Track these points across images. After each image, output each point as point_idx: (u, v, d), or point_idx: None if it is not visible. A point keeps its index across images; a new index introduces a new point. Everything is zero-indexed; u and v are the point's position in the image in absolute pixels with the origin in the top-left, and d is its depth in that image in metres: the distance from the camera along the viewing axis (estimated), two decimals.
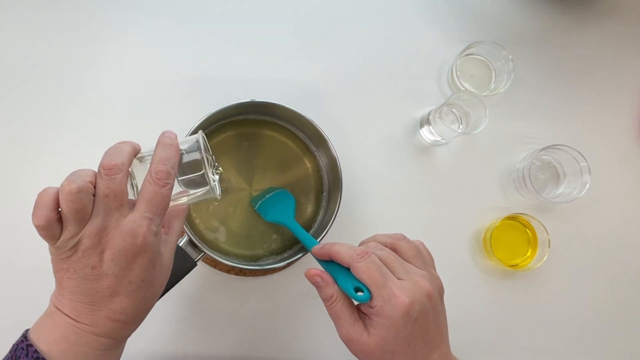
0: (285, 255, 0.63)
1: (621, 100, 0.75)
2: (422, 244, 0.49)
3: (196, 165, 0.45)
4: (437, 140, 0.70)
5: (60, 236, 0.40)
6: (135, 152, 0.44)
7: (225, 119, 0.64)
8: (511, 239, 0.70)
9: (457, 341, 0.68)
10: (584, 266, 0.71)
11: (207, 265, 0.66)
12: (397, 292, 0.42)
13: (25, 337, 0.41)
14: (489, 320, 0.69)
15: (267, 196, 0.62)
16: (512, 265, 0.69)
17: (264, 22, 0.72)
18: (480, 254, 0.70)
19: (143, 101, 0.69)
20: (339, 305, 0.45)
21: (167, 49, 0.71)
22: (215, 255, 0.57)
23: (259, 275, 0.67)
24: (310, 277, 0.46)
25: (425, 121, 0.70)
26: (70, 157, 0.67)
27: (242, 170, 0.64)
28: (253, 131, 0.65)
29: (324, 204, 0.66)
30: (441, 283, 0.47)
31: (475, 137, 0.72)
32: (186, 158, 0.46)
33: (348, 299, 0.45)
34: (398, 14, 0.74)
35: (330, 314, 0.45)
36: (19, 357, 0.40)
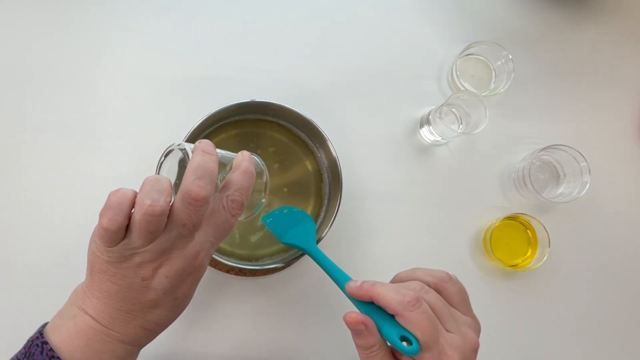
0: (286, 255, 0.63)
1: (621, 100, 0.75)
2: (459, 282, 0.45)
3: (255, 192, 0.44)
4: (437, 140, 0.70)
5: (120, 242, 0.38)
6: (218, 171, 0.42)
7: (225, 119, 0.64)
8: (511, 239, 0.70)
9: None
10: (584, 266, 0.71)
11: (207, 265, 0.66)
12: (449, 351, 0.39)
13: (41, 333, 0.40)
14: (489, 320, 0.69)
15: (282, 212, 0.58)
16: (512, 265, 0.69)
17: (264, 22, 0.72)
18: (480, 254, 0.70)
19: (143, 101, 0.69)
20: (380, 355, 0.40)
21: (167, 49, 0.70)
22: (215, 255, 0.57)
23: (259, 275, 0.67)
24: (352, 325, 0.41)
25: (425, 121, 0.70)
26: (70, 157, 0.67)
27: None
28: (253, 131, 0.65)
29: (324, 204, 0.66)
30: (480, 326, 0.44)
31: (475, 137, 0.72)
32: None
33: (388, 349, 0.41)
34: (398, 14, 0.74)
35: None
36: (33, 353, 0.39)
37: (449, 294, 0.43)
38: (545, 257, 0.67)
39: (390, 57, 0.73)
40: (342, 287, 0.45)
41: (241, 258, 0.63)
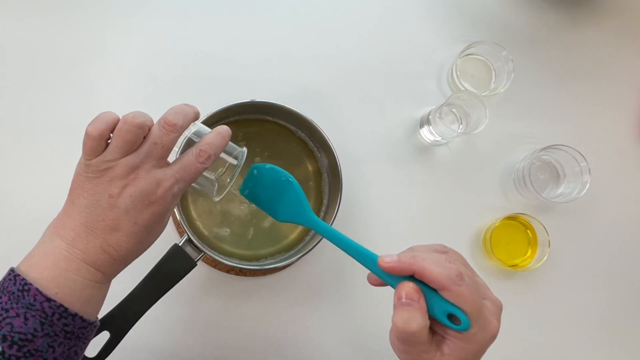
0: (286, 255, 0.63)
1: (621, 100, 0.75)
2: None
3: (226, 167, 0.49)
4: (437, 140, 0.70)
5: (99, 155, 0.43)
6: (195, 119, 0.47)
7: (225, 119, 0.64)
8: (511, 239, 0.70)
9: None
10: (584, 266, 0.71)
11: (207, 265, 0.66)
12: (491, 318, 0.40)
13: (12, 269, 0.42)
14: None
15: (258, 184, 0.49)
16: (512, 265, 0.69)
17: (264, 22, 0.72)
18: (480, 254, 0.70)
19: (143, 101, 0.69)
20: (424, 335, 0.38)
21: (167, 49, 0.70)
22: (215, 255, 0.57)
23: (259, 275, 0.67)
24: (403, 291, 0.38)
25: (425, 121, 0.70)
26: (69, 157, 0.67)
27: (242, 170, 0.64)
28: (253, 131, 0.65)
29: (324, 204, 0.66)
30: None
31: (475, 137, 0.72)
32: (223, 155, 0.48)
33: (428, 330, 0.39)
34: (398, 14, 0.74)
35: (407, 343, 0.38)
36: (7, 287, 0.41)
37: (465, 262, 0.43)
38: (545, 257, 0.67)
39: (390, 57, 0.73)
40: (364, 260, 0.41)
41: (241, 258, 0.63)
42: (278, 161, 0.65)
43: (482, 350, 0.40)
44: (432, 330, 0.39)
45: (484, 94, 0.71)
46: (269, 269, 0.64)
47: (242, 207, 0.64)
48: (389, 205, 0.69)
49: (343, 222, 0.66)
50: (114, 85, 0.69)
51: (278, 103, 0.61)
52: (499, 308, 0.42)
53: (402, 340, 0.38)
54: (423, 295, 0.38)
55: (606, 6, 0.77)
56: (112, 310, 0.52)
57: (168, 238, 0.65)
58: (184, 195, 0.63)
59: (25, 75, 0.68)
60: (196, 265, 0.55)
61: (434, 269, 0.38)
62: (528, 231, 0.70)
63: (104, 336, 0.52)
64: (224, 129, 0.47)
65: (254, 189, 0.49)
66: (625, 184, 0.73)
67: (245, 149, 0.50)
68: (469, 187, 0.71)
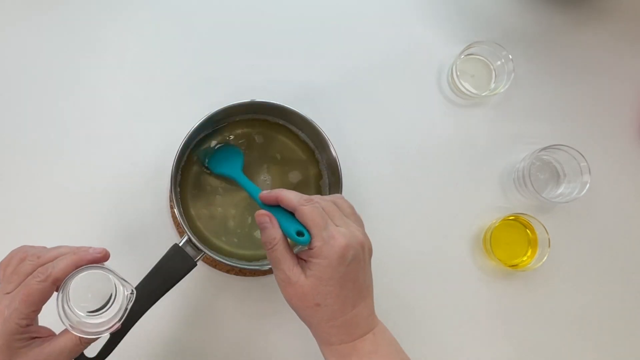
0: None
1: (621, 100, 0.75)
2: (351, 205, 0.52)
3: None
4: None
5: None
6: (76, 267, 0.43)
7: (225, 119, 0.64)
8: (511, 239, 0.70)
9: (457, 340, 0.68)
10: (584, 266, 0.71)
11: (207, 265, 0.66)
12: (336, 235, 0.45)
13: None
14: (488, 320, 0.69)
15: (215, 150, 0.64)
16: (512, 265, 0.69)
17: (264, 22, 0.72)
18: (480, 254, 0.70)
19: (143, 102, 0.69)
20: (280, 248, 0.47)
21: (167, 49, 0.70)
22: (215, 255, 0.57)
23: (259, 275, 0.67)
24: (258, 217, 0.48)
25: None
26: (69, 157, 0.67)
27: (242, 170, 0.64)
28: (253, 131, 0.65)
29: None
30: (371, 244, 0.50)
31: (475, 137, 0.72)
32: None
33: (288, 245, 0.48)
34: (398, 14, 0.74)
35: (271, 258, 0.48)
36: None
37: (342, 206, 0.50)
38: (545, 257, 0.67)
39: (390, 57, 0.73)
40: (257, 200, 0.52)
41: (241, 258, 0.63)
42: (278, 161, 0.65)
43: (335, 269, 0.45)
44: (299, 258, 0.48)
45: (484, 94, 0.71)
46: (269, 269, 0.64)
47: (242, 207, 0.64)
48: (389, 205, 0.69)
49: None
50: (115, 85, 0.69)
51: (278, 103, 0.61)
52: (357, 239, 0.47)
53: (270, 258, 0.48)
54: (274, 217, 0.48)
55: (606, 6, 0.77)
56: None
57: (168, 238, 0.65)
58: (183, 195, 0.63)
59: (24, 75, 0.68)
60: (196, 265, 0.55)
61: (289, 194, 0.48)
62: (528, 231, 0.70)
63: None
64: (76, 255, 0.44)
65: (212, 156, 0.63)
66: (625, 184, 0.73)
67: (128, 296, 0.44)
68: (469, 188, 0.71)
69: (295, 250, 0.49)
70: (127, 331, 0.52)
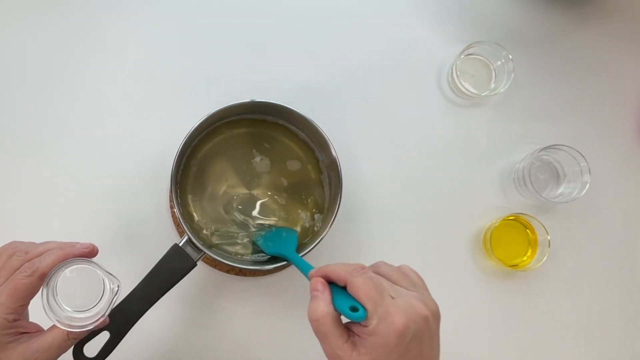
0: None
1: (621, 100, 0.75)
2: (408, 267, 0.47)
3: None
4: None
5: None
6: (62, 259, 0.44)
7: (225, 119, 0.64)
8: (511, 239, 0.70)
9: (457, 341, 0.68)
10: (584, 266, 0.71)
11: (207, 265, 0.66)
12: (393, 311, 0.41)
13: None
14: (488, 320, 0.69)
15: (269, 231, 0.63)
16: (512, 266, 0.69)
17: (264, 22, 0.72)
18: (480, 254, 0.70)
19: (143, 101, 0.69)
20: (328, 322, 0.42)
21: (167, 49, 0.70)
22: (215, 255, 0.57)
23: (259, 275, 0.67)
24: (312, 283, 0.44)
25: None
26: (69, 157, 0.67)
27: (242, 170, 0.64)
28: (253, 131, 0.65)
29: (324, 204, 0.66)
30: (437, 307, 0.45)
31: (475, 137, 0.72)
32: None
33: (337, 319, 0.43)
34: (398, 14, 0.74)
35: (318, 332, 0.43)
36: None
37: (386, 274, 0.45)
38: (545, 257, 0.67)
39: (390, 57, 0.73)
40: (307, 276, 0.48)
41: (241, 258, 0.63)
42: (278, 161, 0.65)
43: (392, 350, 0.40)
44: (349, 331, 0.43)
45: (484, 94, 0.71)
46: (269, 269, 0.64)
47: (242, 207, 0.64)
48: (389, 205, 0.69)
49: (343, 221, 0.66)
50: (115, 85, 0.69)
51: (278, 103, 0.61)
52: (416, 312, 0.42)
53: (315, 331, 0.43)
54: (328, 288, 0.43)
55: (606, 6, 0.77)
56: (112, 310, 0.52)
57: (168, 238, 0.65)
58: (183, 195, 0.63)
59: (24, 75, 0.68)
60: (196, 265, 0.55)
61: (337, 267, 0.44)
62: (528, 231, 0.70)
63: (104, 336, 0.52)
64: (62, 250, 0.44)
65: (264, 239, 0.62)
66: (625, 184, 0.73)
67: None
68: (469, 187, 0.71)
69: (346, 321, 0.44)
70: (127, 331, 0.52)
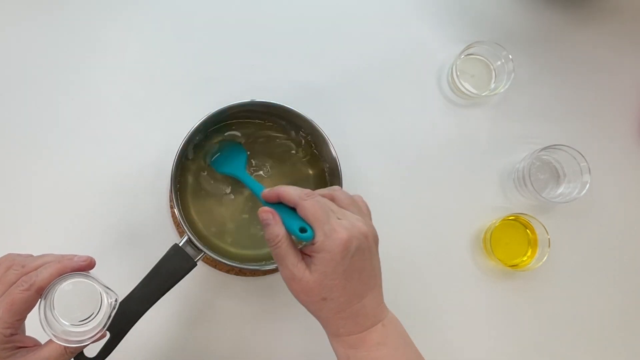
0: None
1: (621, 100, 0.75)
2: (360, 197, 0.52)
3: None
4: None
5: None
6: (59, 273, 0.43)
7: (225, 119, 0.64)
8: (511, 239, 0.70)
9: (457, 340, 0.68)
10: (584, 266, 0.71)
11: (207, 265, 0.66)
12: (337, 228, 0.45)
13: None
14: (488, 320, 0.69)
15: (218, 149, 0.64)
16: (512, 265, 0.69)
17: (264, 22, 0.72)
18: (480, 254, 0.70)
19: (143, 101, 0.69)
20: (284, 245, 0.46)
21: (167, 49, 0.70)
22: (215, 255, 0.57)
23: (259, 275, 0.67)
24: (261, 214, 0.48)
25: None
26: (69, 157, 0.67)
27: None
28: (253, 131, 0.65)
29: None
30: (376, 231, 0.50)
31: (475, 137, 0.72)
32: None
33: (292, 241, 0.47)
34: (398, 14, 0.74)
35: (275, 255, 0.47)
36: None
37: (339, 198, 0.50)
38: (545, 257, 0.67)
39: (390, 57, 0.73)
40: (260, 198, 0.51)
41: (241, 258, 0.63)
42: (278, 161, 0.65)
43: (339, 262, 0.45)
44: (303, 254, 0.47)
45: (484, 94, 0.71)
46: (269, 269, 0.64)
47: (242, 208, 0.64)
48: (388, 205, 0.69)
49: None
50: (115, 85, 0.69)
51: (278, 103, 0.61)
52: (359, 230, 0.46)
53: (274, 255, 0.47)
54: (277, 214, 0.48)
55: (606, 6, 0.77)
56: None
57: (168, 238, 0.65)
58: (183, 195, 0.63)
59: (24, 75, 0.68)
60: (196, 265, 0.55)
61: (289, 190, 0.48)
62: (528, 231, 0.70)
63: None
64: (61, 263, 0.44)
65: (217, 157, 0.64)
66: (625, 184, 0.73)
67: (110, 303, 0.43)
68: (469, 187, 0.71)
69: (300, 246, 0.48)
70: (127, 331, 0.52)
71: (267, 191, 0.50)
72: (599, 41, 0.76)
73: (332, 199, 0.49)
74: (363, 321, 0.48)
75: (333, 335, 0.49)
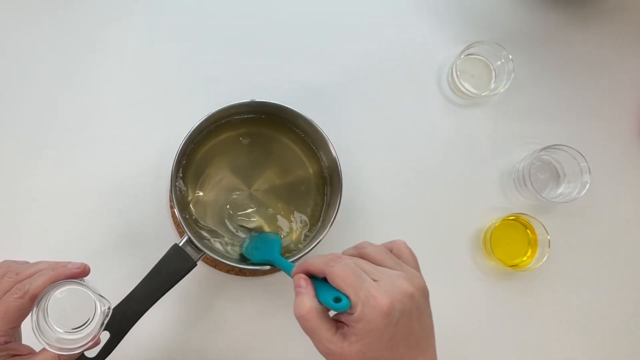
0: (286, 255, 0.63)
1: (621, 100, 0.75)
2: (403, 243, 0.47)
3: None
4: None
5: None
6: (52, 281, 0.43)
7: (225, 119, 0.64)
8: (511, 239, 0.70)
9: (457, 340, 0.68)
10: (584, 266, 0.71)
11: (207, 265, 0.66)
12: (375, 293, 0.40)
13: None
14: (488, 320, 0.69)
15: (252, 241, 0.62)
16: (512, 265, 0.69)
17: (264, 22, 0.72)
18: (480, 254, 0.70)
19: (143, 101, 0.69)
20: (313, 318, 0.42)
21: (167, 49, 0.70)
22: (215, 255, 0.57)
23: (259, 275, 0.67)
24: (296, 279, 0.45)
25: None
26: (69, 157, 0.67)
27: (242, 170, 0.64)
28: (253, 131, 0.65)
29: (324, 204, 0.66)
30: (424, 283, 0.44)
31: (475, 137, 0.72)
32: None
33: (324, 313, 0.43)
34: (398, 14, 0.74)
35: (305, 329, 0.43)
36: None
37: (370, 254, 0.45)
38: (545, 257, 0.67)
39: (390, 57, 0.73)
40: (291, 276, 0.48)
41: (241, 258, 0.63)
42: (278, 161, 0.65)
43: (382, 332, 0.40)
44: (338, 322, 0.43)
45: (484, 94, 0.71)
46: (269, 269, 0.64)
47: (242, 207, 0.64)
48: (389, 205, 0.69)
49: (343, 221, 0.66)
50: (114, 86, 0.69)
51: (278, 103, 0.61)
52: (400, 290, 0.41)
53: (303, 328, 0.43)
54: (311, 283, 0.44)
55: (606, 6, 0.77)
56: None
57: (168, 238, 0.65)
58: (183, 194, 0.63)
59: (24, 75, 0.68)
60: (196, 265, 0.55)
61: (314, 260, 0.44)
62: (528, 231, 0.70)
63: (104, 336, 0.52)
64: (56, 270, 0.43)
65: (249, 247, 0.61)
66: (625, 184, 0.73)
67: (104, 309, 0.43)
68: (469, 187, 0.71)
69: (334, 314, 0.44)
70: (127, 331, 0.52)
71: (295, 269, 0.46)
72: (599, 41, 0.76)
73: (363, 257, 0.45)
74: None
75: None
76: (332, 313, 0.43)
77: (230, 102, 0.60)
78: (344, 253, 0.46)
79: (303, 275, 0.44)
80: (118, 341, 0.52)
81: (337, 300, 0.41)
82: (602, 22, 0.76)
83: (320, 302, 0.43)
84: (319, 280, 0.44)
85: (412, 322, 0.42)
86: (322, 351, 0.42)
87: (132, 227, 0.66)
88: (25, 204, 0.65)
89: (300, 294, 0.43)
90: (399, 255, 0.46)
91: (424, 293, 0.44)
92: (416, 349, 0.43)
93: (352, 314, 0.41)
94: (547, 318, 0.70)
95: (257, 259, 0.59)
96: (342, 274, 0.41)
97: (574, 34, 0.76)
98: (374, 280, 0.41)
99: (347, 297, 0.41)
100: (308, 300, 0.43)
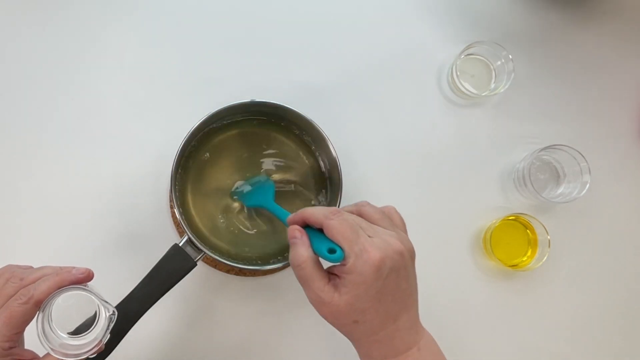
0: (286, 255, 0.63)
1: (621, 100, 0.75)
2: (394, 208, 0.49)
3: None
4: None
5: None
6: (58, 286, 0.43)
7: (225, 119, 0.64)
8: (511, 239, 0.70)
9: (457, 340, 0.68)
10: (584, 266, 0.71)
11: (207, 265, 0.66)
12: (369, 248, 0.42)
13: None
14: (488, 320, 0.69)
15: (248, 188, 0.63)
16: (512, 265, 0.69)
17: (264, 22, 0.72)
18: (480, 254, 0.70)
19: (143, 101, 0.69)
20: (308, 267, 0.44)
21: (167, 49, 0.70)
22: (215, 255, 0.57)
23: (259, 275, 0.67)
24: (290, 231, 0.46)
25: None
26: (69, 157, 0.67)
27: (242, 170, 0.64)
28: (253, 131, 0.65)
29: (324, 203, 0.66)
30: (412, 245, 0.47)
31: (475, 137, 0.72)
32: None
33: (318, 263, 0.45)
34: (398, 14, 0.74)
35: (299, 277, 0.45)
36: None
37: (368, 213, 0.47)
38: (545, 257, 0.67)
39: (390, 57, 0.73)
40: (286, 224, 0.49)
41: (241, 258, 0.63)
42: (278, 161, 0.65)
43: (371, 285, 0.42)
44: (331, 274, 0.45)
45: (484, 94, 0.71)
46: (269, 269, 0.64)
47: (241, 207, 0.64)
48: (388, 204, 0.69)
49: None
50: (114, 86, 0.69)
51: (278, 103, 0.61)
52: (393, 248, 0.43)
53: (298, 277, 0.45)
54: (306, 234, 0.45)
55: (606, 6, 0.77)
56: None
57: (168, 238, 0.65)
58: (183, 195, 0.63)
59: (23, 75, 0.68)
60: (196, 265, 0.55)
61: (314, 210, 0.46)
62: (528, 231, 0.70)
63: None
64: (60, 275, 0.43)
65: (242, 193, 0.63)
66: (625, 184, 0.73)
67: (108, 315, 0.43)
68: (469, 187, 0.71)
69: (327, 266, 0.46)
70: (127, 331, 0.52)
71: (292, 216, 0.48)
72: (599, 41, 0.76)
73: (361, 215, 0.47)
74: (398, 344, 0.46)
75: (365, 357, 0.47)
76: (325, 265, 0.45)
77: (230, 102, 0.60)
78: (343, 209, 0.48)
79: (298, 227, 0.46)
80: (118, 341, 0.52)
81: (332, 251, 0.43)
82: (602, 22, 0.77)
83: (314, 252, 0.45)
84: (312, 231, 0.46)
85: (400, 279, 0.44)
86: (314, 300, 0.45)
87: (132, 227, 0.66)
88: (25, 204, 0.65)
89: (296, 244, 0.45)
90: (390, 219, 0.48)
91: (412, 255, 0.46)
92: (401, 304, 0.45)
93: (344, 264, 0.43)
94: (547, 318, 0.70)
95: (251, 203, 0.61)
96: (340, 228, 0.43)
97: (574, 34, 0.76)
98: (369, 237, 0.44)
99: (342, 249, 0.43)
100: (304, 250, 0.45)
